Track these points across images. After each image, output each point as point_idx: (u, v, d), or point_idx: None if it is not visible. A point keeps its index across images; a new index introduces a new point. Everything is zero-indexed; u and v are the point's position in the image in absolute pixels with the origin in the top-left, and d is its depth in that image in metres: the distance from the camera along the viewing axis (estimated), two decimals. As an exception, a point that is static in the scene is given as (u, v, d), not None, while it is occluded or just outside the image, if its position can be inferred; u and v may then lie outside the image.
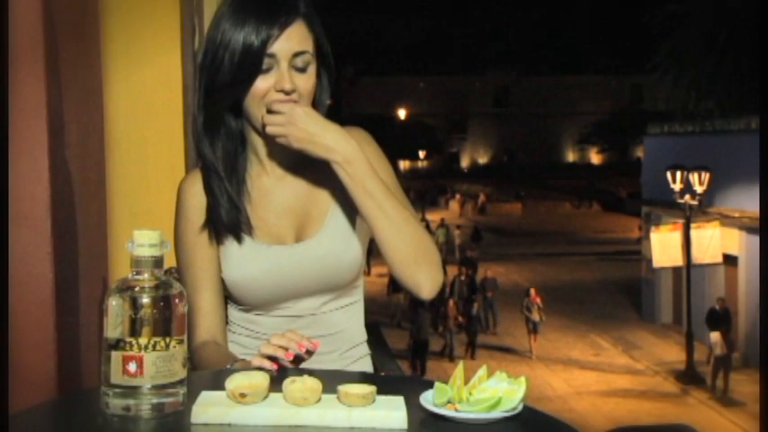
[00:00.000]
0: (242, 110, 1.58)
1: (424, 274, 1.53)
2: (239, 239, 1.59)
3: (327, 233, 1.61)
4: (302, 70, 1.54)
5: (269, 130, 1.51)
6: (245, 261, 1.59)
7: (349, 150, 1.50)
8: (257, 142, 1.62)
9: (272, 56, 1.51)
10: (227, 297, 1.66)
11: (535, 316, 16.07)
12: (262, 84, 1.52)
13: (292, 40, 1.52)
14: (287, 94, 1.52)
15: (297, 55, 1.53)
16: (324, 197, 1.64)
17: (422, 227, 1.58)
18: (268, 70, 1.52)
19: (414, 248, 1.52)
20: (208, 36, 1.58)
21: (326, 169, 1.58)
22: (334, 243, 1.60)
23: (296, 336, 1.41)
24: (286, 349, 1.39)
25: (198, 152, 1.63)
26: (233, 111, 1.59)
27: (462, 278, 18.89)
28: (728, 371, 13.35)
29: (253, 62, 1.51)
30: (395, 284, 17.92)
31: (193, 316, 1.58)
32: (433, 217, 31.96)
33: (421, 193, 40.20)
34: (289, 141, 1.50)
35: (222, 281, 1.62)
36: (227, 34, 1.52)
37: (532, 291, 16.55)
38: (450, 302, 16.58)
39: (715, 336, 13.44)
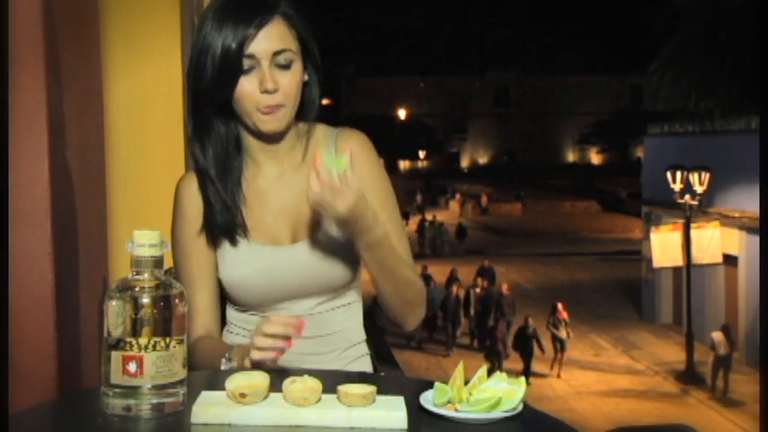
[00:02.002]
0: (233, 112, 1.58)
1: (412, 317, 1.66)
2: (234, 242, 1.60)
3: (324, 235, 1.61)
4: (285, 68, 1.53)
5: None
6: (241, 261, 1.60)
7: (380, 233, 1.50)
8: (251, 144, 1.63)
9: (251, 56, 1.51)
10: (225, 297, 1.66)
11: (562, 333, 14.66)
12: (247, 85, 1.52)
13: (271, 40, 1.52)
14: (269, 93, 1.52)
15: (277, 53, 1.52)
16: None
17: (416, 278, 1.64)
18: (250, 71, 1.52)
19: (409, 303, 1.63)
20: (193, 42, 1.58)
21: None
22: (331, 245, 1.60)
23: (281, 326, 1.37)
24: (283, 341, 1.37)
25: (192, 157, 1.64)
26: (223, 114, 1.59)
27: (477, 290, 17.03)
28: (728, 370, 13.35)
29: (232, 64, 1.50)
30: None
31: (189, 313, 1.59)
32: (428, 216, 32.00)
33: (421, 192, 40.21)
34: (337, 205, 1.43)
35: (219, 280, 1.63)
36: (207, 39, 1.52)
37: (560, 305, 15.10)
38: (501, 324, 14.98)
39: (718, 335, 13.43)
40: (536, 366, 14.47)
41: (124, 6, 2.16)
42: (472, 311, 16.63)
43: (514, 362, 14.33)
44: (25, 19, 1.39)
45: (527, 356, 14.22)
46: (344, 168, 1.40)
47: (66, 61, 1.52)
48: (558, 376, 14.48)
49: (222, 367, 1.48)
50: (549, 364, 14.72)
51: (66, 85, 1.52)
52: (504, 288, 16.72)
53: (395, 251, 1.55)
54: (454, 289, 17.01)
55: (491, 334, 14.80)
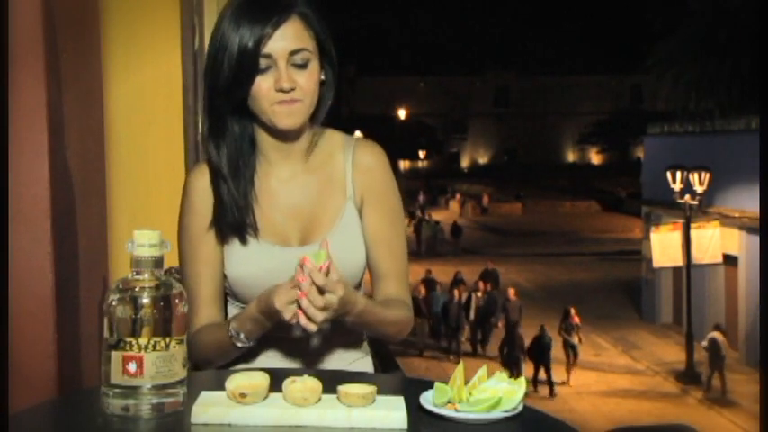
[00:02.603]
0: (248, 111, 1.58)
1: (397, 338, 1.70)
2: (244, 240, 1.61)
3: (334, 240, 1.61)
4: (302, 67, 1.54)
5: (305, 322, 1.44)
6: (248, 259, 1.60)
7: (361, 306, 1.51)
8: (266, 143, 1.63)
9: (268, 56, 1.52)
10: (228, 294, 1.67)
11: (575, 339, 14.06)
12: (263, 84, 1.53)
13: (287, 39, 1.52)
14: (285, 92, 1.52)
15: (294, 53, 1.53)
16: (335, 204, 1.64)
17: (403, 312, 1.65)
18: (267, 70, 1.52)
19: (395, 335, 1.66)
20: (210, 40, 1.59)
21: (340, 175, 1.62)
22: (340, 251, 1.60)
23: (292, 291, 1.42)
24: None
25: (206, 155, 1.64)
26: (238, 113, 1.59)
27: (479, 294, 16.15)
28: (724, 369, 13.33)
29: (249, 64, 1.51)
30: (418, 308, 15.45)
31: (193, 306, 1.59)
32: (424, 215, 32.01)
33: (424, 193, 40.23)
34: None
35: (224, 275, 1.63)
36: (224, 38, 1.53)
37: (573, 310, 14.47)
38: (518, 331, 14.03)
39: (720, 335, 13.42)
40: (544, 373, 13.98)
41: (124, 6, 2.16)
42: (472, 315, 15.82)
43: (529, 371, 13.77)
44: (25, 19, 1.39)
45: (545, 365, 13.58)
46: (326, 260, 1.42)
47: (66, 61, 1.52)
48: (567, 382, 14.05)
49: (238, 344, 1.51)
50: (561, 372, 14.10)
51: (66, 85, 1.52)
52: (511, 293, 15.83)
53: (377, 311, 1.57)
54: (456, 293, 16.27)
55: (509, 341, 14.01)
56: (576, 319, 14.35)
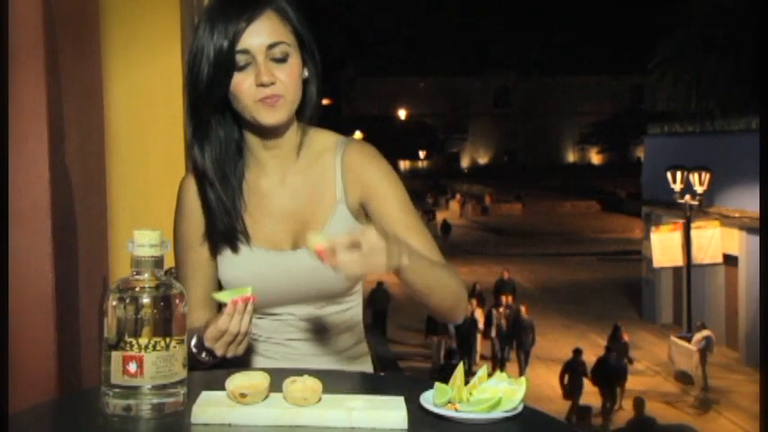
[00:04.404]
0: (233, 115, 1.57)
1: (459, 314, 1.61)
2: (235, 248, 1.59)
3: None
4: (281, 61, 1.52)
5: (348, 272, 1.35)
6: (241, 265, 1.59)
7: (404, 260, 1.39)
8: (254, 143, 1.61)
9: (245, 52, 1.50)
10: None
11: (624, 360, 13.03)
12: (244, 82, 1.51)
13: (263, 34, 1.50)
14: (266, 86, 1.50)
15: (271, 47, 1.51)
16: (325, 205, 1.62)
17: (452, 273, 1.55)
18: (246, 67, 1.50)
19: (451, 301, 1.55)
20: (191, 44, 1.58)
21: (329, 177, 1.60)
22: None
23: (219, 333, 1.42)
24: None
25: (191, 161, 1.63)
26: (222, 116, 1.58)
27: (501, 310, 15.25)
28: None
29: (226, 61, 1.49)
30: (430, 325, 14.74)
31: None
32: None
33: (420, 193, 40.26)
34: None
35: (218, 280, 1.63)
36: (201, 40, 1.51)
37: (621, 326, 13.58)
38: (577, 356, 12.47)
39: (712, 333, 13.43)
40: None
41: (124, 6, 2.15)
42: (493, 333, 14.72)
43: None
44: (25, 19, 1.39)
45: (612, 391, 12.53)
46: (248, 294, 1.41)
47: (66, 61, 1.52)
48: (621, 408, 12.67)
49: (200, 359, 1.48)
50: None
51: (66, 85, 1.52)
52: (523, 310, 14.65)
53: (423, 259, 1.47)
54: (470, 308, 14.75)
55: (572, 367, 12.48)
56: (626, 337, 13.34)
